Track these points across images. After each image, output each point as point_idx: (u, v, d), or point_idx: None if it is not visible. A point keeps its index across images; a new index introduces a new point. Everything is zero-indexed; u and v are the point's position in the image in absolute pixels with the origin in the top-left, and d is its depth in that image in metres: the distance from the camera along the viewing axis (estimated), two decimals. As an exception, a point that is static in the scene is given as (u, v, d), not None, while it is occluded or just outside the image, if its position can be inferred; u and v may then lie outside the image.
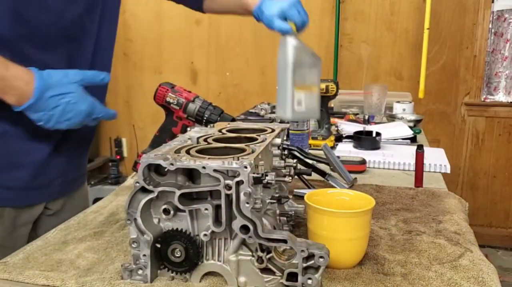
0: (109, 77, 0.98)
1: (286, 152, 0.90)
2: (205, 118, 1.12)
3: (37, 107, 0.87)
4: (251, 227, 0.65)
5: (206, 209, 0.66)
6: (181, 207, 0.67)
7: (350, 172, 1.15)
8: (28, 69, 0.86)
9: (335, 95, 1.56)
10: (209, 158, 0.67)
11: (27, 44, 0.91)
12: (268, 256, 0.67)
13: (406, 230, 0.90)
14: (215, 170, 0.65)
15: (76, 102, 0.89)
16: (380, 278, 0.71)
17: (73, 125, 0.92)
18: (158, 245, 0.69)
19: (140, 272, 0.69)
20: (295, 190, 1.09)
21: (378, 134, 1.58)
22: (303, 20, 1.01)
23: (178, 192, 0.66)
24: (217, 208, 0.67)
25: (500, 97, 3.04)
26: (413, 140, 1.70)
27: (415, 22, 3.02)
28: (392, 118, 2.01)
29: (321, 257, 0.64)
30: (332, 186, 1.09)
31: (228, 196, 0.65)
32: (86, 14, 1.00)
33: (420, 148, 1.18)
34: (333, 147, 1.57)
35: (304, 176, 1.11)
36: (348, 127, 1.80)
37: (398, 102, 2.14)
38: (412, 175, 1.23)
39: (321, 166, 1.13)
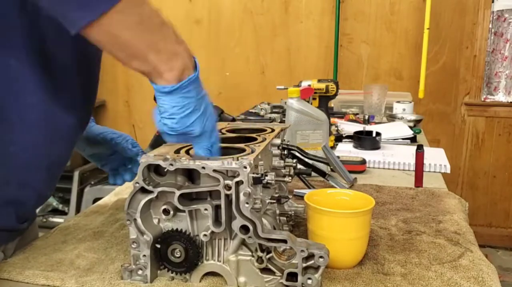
0: None
1: (286, 152, 0.90)
2: (205, 118, 1.12)
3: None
4: (251, 227, 0.65)
5: (205, 209, 0.66)
6: (180, 207, 0.67)
7: (350, 172, 1.15)
8: None
9: (335, 95, 1.56)
10: (208, 158, 0.67)
11: None
12: (268, 256, 0.67)
13: (406, 230, 0.90)
14: (214, 170, 0.64)
15: None
16: (380, 278, 0.71)
17: None
18: (158, 246, 0.69)
19: (140, 272, 0.69)
20: (295, 190, 1.09)
21: (378, 134, 1.58)
22: None
23: (177, 193, 0.66)
24: (217, 208, 0.67)
25: (500, 97, 3.04)
26: (413, 140, 1.70)
27: (415, 22, 3.02)
28: (392, 118, 2.01)
29: (321, 257, 0.64)
30: (332, 186, 1.09)
31: (227, 196, 0.65)
32: None
33: (420, 148, 1.18)
34: (333, 147, 1.57)
35: (304, 176, 1.11)
36: (348, 127, 1.80)
37: (398, 102, 2.14)
38: (412, 175, 1.23)
39: (321, 166, 1.13)
